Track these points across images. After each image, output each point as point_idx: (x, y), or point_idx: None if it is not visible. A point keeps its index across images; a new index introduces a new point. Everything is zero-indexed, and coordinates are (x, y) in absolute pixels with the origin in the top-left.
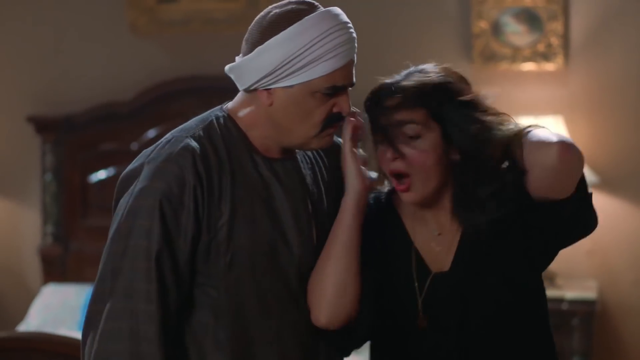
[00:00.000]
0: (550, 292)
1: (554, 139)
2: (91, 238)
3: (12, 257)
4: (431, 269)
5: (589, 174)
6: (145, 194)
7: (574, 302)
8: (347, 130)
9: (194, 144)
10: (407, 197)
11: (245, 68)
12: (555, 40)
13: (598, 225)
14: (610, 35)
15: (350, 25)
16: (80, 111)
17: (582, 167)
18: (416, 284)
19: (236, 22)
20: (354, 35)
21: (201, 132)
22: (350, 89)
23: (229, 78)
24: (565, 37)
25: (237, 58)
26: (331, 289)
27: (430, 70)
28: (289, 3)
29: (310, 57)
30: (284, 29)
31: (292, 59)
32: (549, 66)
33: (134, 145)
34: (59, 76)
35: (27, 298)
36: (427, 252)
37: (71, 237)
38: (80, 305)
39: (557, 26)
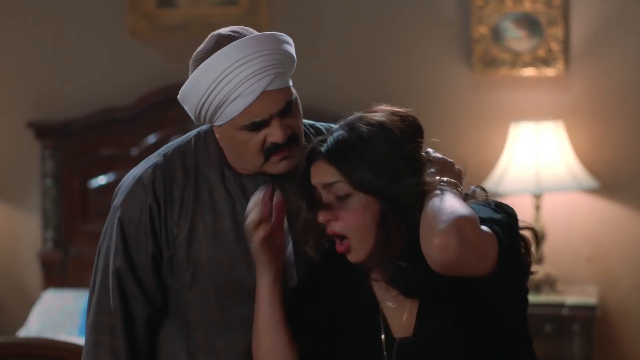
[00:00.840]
0: (551, 298)
1: (440, 225)
2: (91, 243)
3: (12, 263)
4: (394, 334)
5: (589, 180)
6: (113, 213)
7: (574, 308)
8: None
9: (160, 163)
10: (349, 258)
11: (184, 103)
12: (555, 46)
13: (599, 231)
14: (611, 40)
15: (266, 52)
16: (80, 116)
17: (479, 257)
18: (384, 352)
19: None
20: (270, 62)
21: (175, 149)
22: (287, 112)
23: None
24: (566, 43)
25: None
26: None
27: (369, 118)
28: (211, 37)
29: (219, 97)
30: (193, 72)
31: (206, 99)
32: (549, 71)
33: (133, 151)
34: (59, 81)
35: (27, 303)
36: (391, 315)
37: (71, 242)
38: (80, 311)
39: (557, 31)
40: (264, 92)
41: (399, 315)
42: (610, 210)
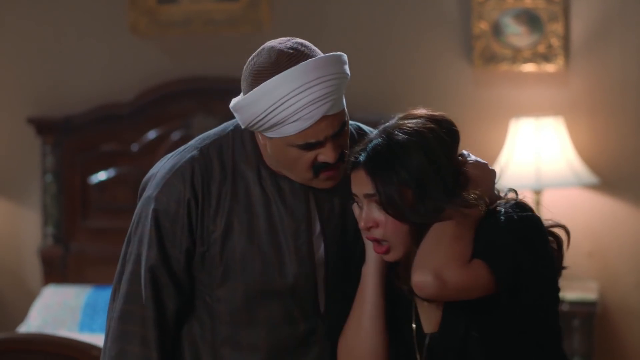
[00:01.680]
0: None
1: (421, 265)
2: (91, 239)
3: (12, 258)
4: (424, 328)
5: (590, 176)
6: (148, 203)
7: (574, 304)
8: (356, 207)
9: (198, 157)
10: (387, 258)
11: (236, 113)
12: (555, 41)
13: (599, 227)
14: (611, 36)
15: (328, 77)
16: (81, 112)
17: (461, 292)
18: (415, 344)
19: (236, 24)
20: (331, 89)
21: (212, 143)
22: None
23: (229, 80)
24: (566, 38)
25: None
26: (367, 356)
27: (403, 126)
28: (271, 52)
29: (275, 119)
30: (256, 86)
31: (263, 117)
32: (550, 67)
33: (134, 147)
34: (60, 77)
35: (28, 299)
36: (423, 310)
37: (71, 239)
38: (80, 306)
39: (558, 27)
40: (322, 117)
41: (430, 311)
42: (611, 206)
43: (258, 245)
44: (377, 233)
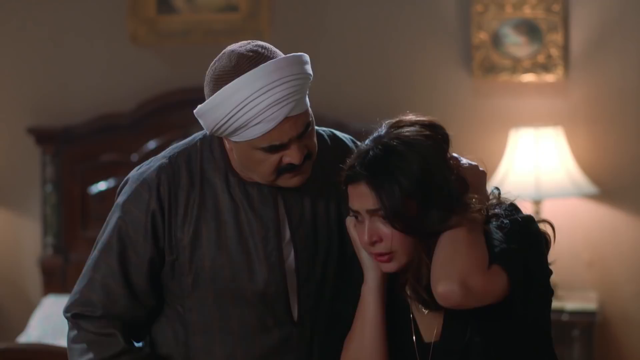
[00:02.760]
0: None
1: (445, 275)
2: (91, 249)
3: (12, 268)
4: (424, 338)
5: (589, 186)
6: (115, 211)
7: (574, 313)
8: (351, 222)
9: (166, 165)
10: (387, 268)
11: (200, 118)
12: (555, 52)
13: (599, 237)
14: (610, 46)
15: (289, 78)
16: (81, 122)
17: (483, 299)
18: (417, 355)
19: (236, 34)
20: (292, 89)
21: (180, 152)
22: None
23: None
24: (565, 49)
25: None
26: None
27: (398, 136)
28: (231, 56)
29: (238, 123)
30: (218, 89)
31: (226, 121)
32: (549, 77)
33: (134, 157)
34: (59, 87)
35: (28, 309)
36: (421, 320)
37: (71, 248)
38: None
39: (557, 37)
40: (285, 119)
41: (428, 320)
42: (610, 216)
43: (227, 252)
44: (381, 247)
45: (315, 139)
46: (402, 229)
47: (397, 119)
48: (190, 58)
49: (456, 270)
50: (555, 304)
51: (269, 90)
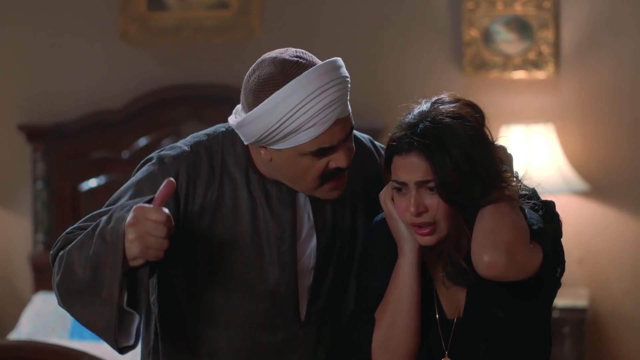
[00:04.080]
0: None
1: (492, 244)
2: None
3: (3, 266)
4: (447, 315)
5: (580, 183)
6: (128, 187)
7: (565, 310)
8: (387, 194)
9: (187, 155)
10: (426, 241)
11: (241, 129)
12: (546, 49)
13: (589, 234)
14: (601, 43)
15: (337, 81)
16: (72, 119)
17: (521, 273)
18: (440, 332)
19: (227, 30)
20: (340, 92)
21: (202, 142)
22: (349, 134)
23: (220, 87)
24: (556, 45)
25: (238, 107)
26: (406, 350)
27: (444, 111)
28: (274, 62)
29: (290, 128)
30: (265, 98)
31: (274, 130)
32: (540, 74)
33: (125, 154)
34: (50, 84)
35: (18, 306)
36: (443, 295)
37: None
38: None
39: (548, 34)
40: (336, 121)
41: (451, 297)
42: (601, 213)
43: (240, 248)
44: (426, 217)
45: (354, 144)
46: (450, 199)
47: (438, 97)
48: (181, 55)
49: (503, 241)
50: None
51: (322, 92)
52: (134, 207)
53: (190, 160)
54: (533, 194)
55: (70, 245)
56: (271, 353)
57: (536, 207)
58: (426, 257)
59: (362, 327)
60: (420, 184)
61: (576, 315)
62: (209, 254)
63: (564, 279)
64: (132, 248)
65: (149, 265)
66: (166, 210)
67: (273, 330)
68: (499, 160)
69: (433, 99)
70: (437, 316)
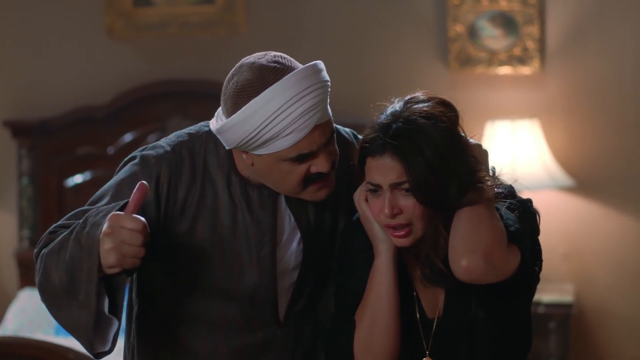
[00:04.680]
0: None
1: (470, 249)
2: None
3: None
4: (428, 314)
5: (565, 178)
6: (110, 186)
7: (550, 306)
8: (361, 195)
9: (169, 156)
10: (402, 242)
11: (221, 135)
12: (531, 44)
13: (575, 229)
14: (587, 38)
15: (316, 86)
16: (57, 115)
17: (499, 275)
18: (421, 332)
19: (212, 26)
20: (319, 97)
21: (184, 142)
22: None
23: (205, 83)
24: (541, 41)
25: (219, 111)
26: (388, 350)
27: (417, 111)
28: (252, 68)
29: (269, 135)
30: (243, 105)
31: (253, 137)
32: (525, 70)
33: (110, 150)
34: (36, 80)
35: (4, 302)
36: (423, 295)
37: None
38: None
39: (533, 30)
40: (315, 126)
41: (431, 296)
42: (587, 209)
43: (219, 252)
44: (402, 219)
45: (336, 147)
46: (425, 201)
47: (411, 96)
48: (166, 51)
49: (481, 245)
50: None
51: (300, 99)
52: (109, 216)
53: (172, 161)
54: (510, 192)
55: (49, 247)
56: (250, 353)
57: (512, 206)
58: (405, 257)
59: (344, 329)
60: (394, 186)
61: (562, 311)
62: (188, 255)
63: (549, 275)
64: (109, 257)
65: (125, 272)
66: (141, 218)
67: (251, 331)
68: (474, 159)
69: (406, 98)
70: (418, 316)
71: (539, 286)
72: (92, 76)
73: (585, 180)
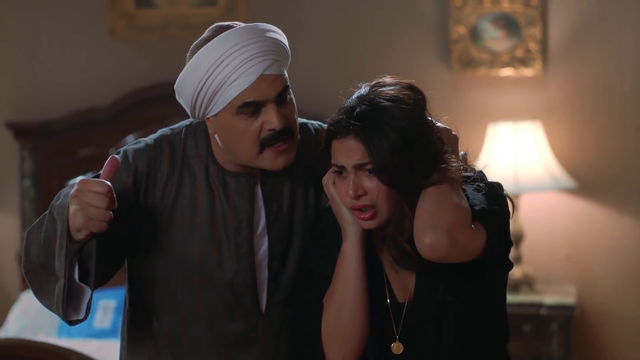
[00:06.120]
0: (529, 298)
1: (433, 226)
2: None
3: None
4: (398, 298)
5: (567, 180)
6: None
7: (552, 307)
8: (329, 178)
9: (149, 149)
10: (368, 225)
11: (180, 92)
12: (533, 46)
13: (577, 231)
14: (589, 40)
15: (261, 39)
16: (59, 117)
17: (465, 254)
18: (391, 316)
19: None
20: (265, 48)
21: (165, 137)
22: (285, 98)
23: None
24: (544, 43)
25: None
26: (356, 334)
27: (382, 94)
28: (210, 29)
29: (215, 82)
30: (188, 62)
31: (200, 90)
32: (528, 71)
33: (112, 151)
34: (38, 82)
35: (6, 304)
36: (394, 279)
37: None
38: None
39: (536, 31)
40: (262, 76)
41: (401, 280)
42: (589, 210)
43: (198, 239)
44: (366, 200)
45: (296, 117)
46: (388, 182)
47: (377, 80)
48: (168, 52)
49: (444, 223)
50: (533, 298)
51: (243, 47)
52: (77, 180)
53: (152, 153)
54: (479, 176)
55: (30, 226)
56: (233, 343)
57: (479, 188)
58: (375, 241)
59: (312, 313)
60: (358, 167)
61: (564, 313)
62: (168, 245)
63: (551, 276)
64: (75, 219)
65: (95, 238)
66: (107, 182)
67: (234, 321)
68: (440, 141)
69: (373, 82)
70: (388, 300)
71: (541, 287)
72: (94, 78)
73: (587, 181)
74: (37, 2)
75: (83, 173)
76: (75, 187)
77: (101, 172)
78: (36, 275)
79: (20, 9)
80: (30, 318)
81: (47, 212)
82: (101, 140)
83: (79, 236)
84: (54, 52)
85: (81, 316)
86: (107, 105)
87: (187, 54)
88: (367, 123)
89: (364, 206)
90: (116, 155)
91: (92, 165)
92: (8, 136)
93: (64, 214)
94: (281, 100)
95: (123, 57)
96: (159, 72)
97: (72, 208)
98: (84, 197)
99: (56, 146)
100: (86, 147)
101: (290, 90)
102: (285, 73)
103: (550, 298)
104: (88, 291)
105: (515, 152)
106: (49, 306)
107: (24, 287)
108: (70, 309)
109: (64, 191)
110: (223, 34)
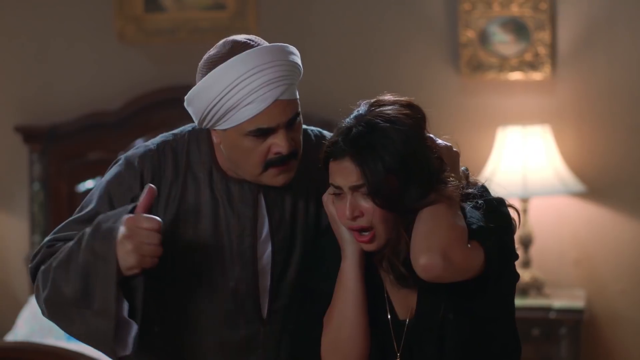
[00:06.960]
0: (538, 301)
1: (428, 247)
2: None
3: None
4: (399, 316)
5: (576, 184)
6: (98, 187)
7: (561, 311)
8: (329, 198)
9: (152, 154)
10: (368, 247)
11: (189, 107)
12: (542, 50)
13: (586, 235)
14: (598, 44)
15: (279, 62)
16: (68, 120)
17: (462, 273)
18: (392, 333)
19: (223, 32)
20: (282, 73)
21: (168, 142)
22: (296, 121)
23: None
24: (553, 47)
25: None
26: (355, 352)
27: (379, 114)
28: (226, 43)
29: (229, 103)
30: (205, 75)
31: (216, 103)
32: (537, 75)
33: (120, 154)
34: (47, 85)
35: (15, 308)
36: (395, 297)
37: None
38: None
39: (545, 35)
40: (276, 101)
41: (403, 298)
42: (598, 214)
43: (202, 246)
44: (363, 222)
45: (301, 137)
46: (383, 204)
47: (377, 99)
48: (177, 56)
49: (438, 243)
50: (542, 302)
51: (261, 70)
52: (125, 219)
53: (155, 159)
54: (480, 192)
55: (54, 261)
56: (234, 350)
57: (478, 205)
58: (377, 258)
59: (312, 331)
60: (354, 189)
61: (573, 317)
62: (171, 252)
63: (560, 280)
64: (129, 259)
65: (143, 273)
66: (156, 217)
67: (235, 328)
68: (439, 160)
69: (372, 101)
70: (389, 317)
71: (549, 291)
72: (103, 81)
73: (596, 185)
74: (46, 6)
75: (92, 177)
76: (124, 228)
77: (138, 202)
78: (67, 310)
79: (29, 13)
80: (39, 322)
81: (71, 244)
82: (110, 144)
83: (129, 273)
84: (63, 56)
85: (128, 352)
86: (116, 109)
87: (200, 64)
88: (362, 145)
89: (362, 228)
90: (152, 185)
91: (100, 168)
92: (17, 140)
93: (110, 254)
94: (291, 124)
95: (132, 61)
96: (168, 75)
97: (126, 248)
98: (137, 236)
99: (65, 150)
100: (95, 150)
101: (300, 111)
102: (297, 95)
103: (559, 302)
104: (133, 325)
105: (524, 156)
106: (84, 339)
107: (32, 291)
108: (117, 345)
109: (102, 225)
110: (242, 54)
